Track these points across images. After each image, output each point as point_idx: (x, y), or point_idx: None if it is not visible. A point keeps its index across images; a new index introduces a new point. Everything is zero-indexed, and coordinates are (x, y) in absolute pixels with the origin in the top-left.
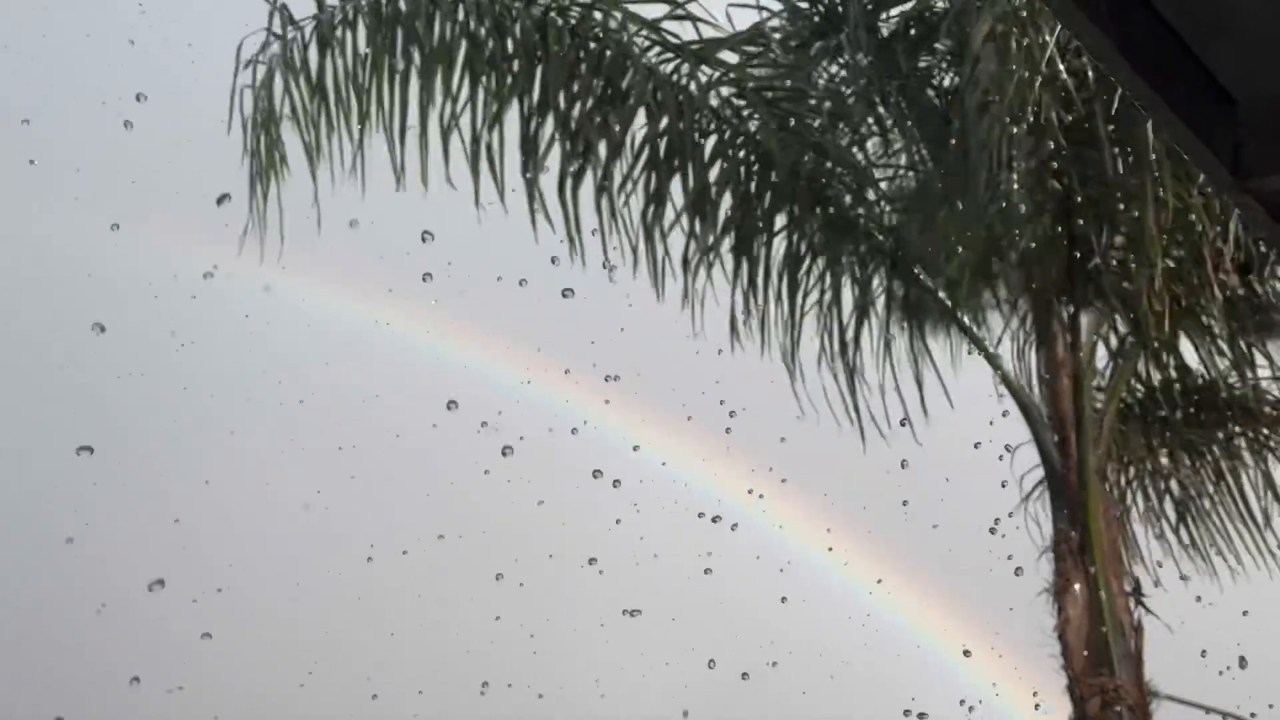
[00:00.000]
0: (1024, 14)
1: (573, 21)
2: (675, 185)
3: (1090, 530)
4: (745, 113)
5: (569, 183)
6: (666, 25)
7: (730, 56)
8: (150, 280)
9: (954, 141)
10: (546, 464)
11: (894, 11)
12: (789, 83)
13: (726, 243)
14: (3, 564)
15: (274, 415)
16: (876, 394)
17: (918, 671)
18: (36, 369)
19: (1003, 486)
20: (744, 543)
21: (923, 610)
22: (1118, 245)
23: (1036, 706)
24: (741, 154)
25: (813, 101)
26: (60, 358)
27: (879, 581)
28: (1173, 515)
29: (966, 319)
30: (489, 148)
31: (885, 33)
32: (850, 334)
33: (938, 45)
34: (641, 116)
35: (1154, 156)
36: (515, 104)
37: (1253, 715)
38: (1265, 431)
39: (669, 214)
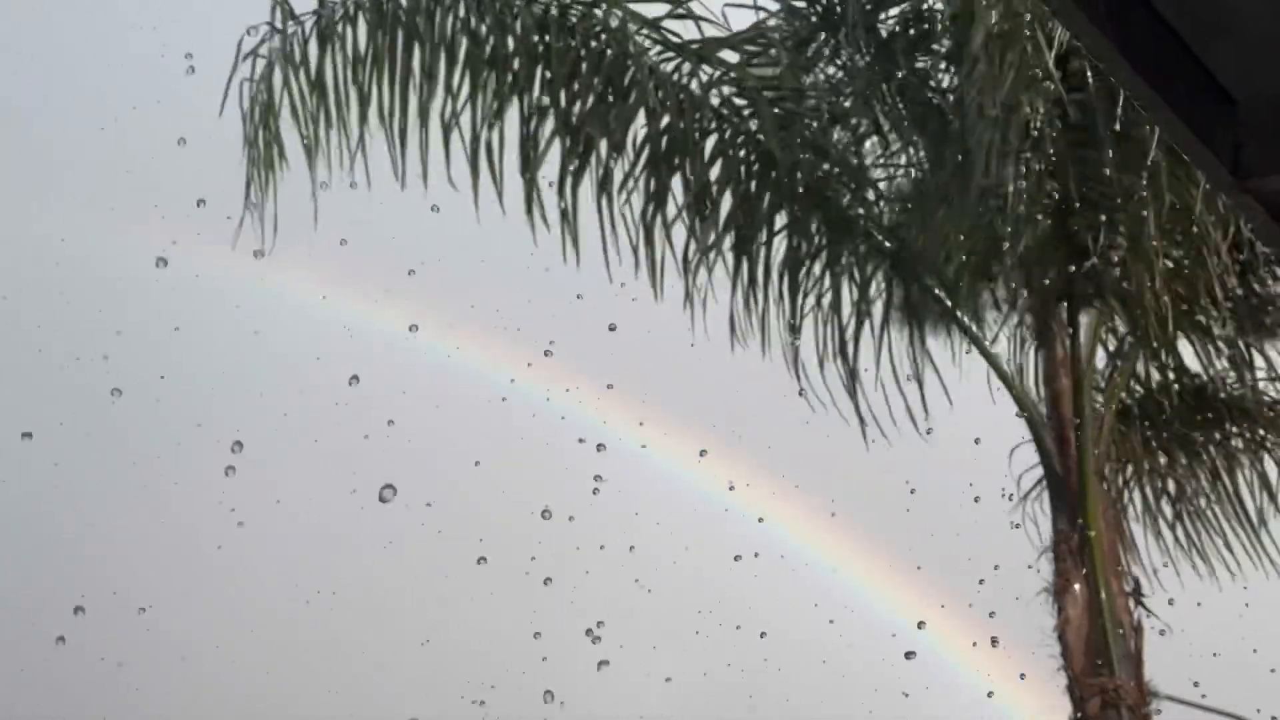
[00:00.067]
0: (1024, 14)
1: (573, 20)
2: (675, 186)
3: (1090, 530)
4: (746, 112)
5: (569, 181)
6: (667, 24)
7: (730, 56)
8: (150, 279)
9: (954, 142)
10: (547, 464)
11: (893, 11)
12: (789, 82)
13: (726, 241)
14: (2, 563)
15: (274, 414)
16: (875, 395)
17: (917, 671)
18: (36, 368)
19: (1003, 491)
20: (744, 542)
21: (923, 610)
22: (1117, 245)
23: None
24: (742, 153)
25: (811, 102)
26: (60, 357)
27: (879, 582)
28: (1171, 516)
29: (966, 319)
30: (489, 146)
31: (884, 33)
32: (850, 333)
33: (935, 46)
34: (641, 116)
35: (1154, 156)
36: (514, 103)
37: (1259, 710)
38: (1262, 432)
39: (669, 215)
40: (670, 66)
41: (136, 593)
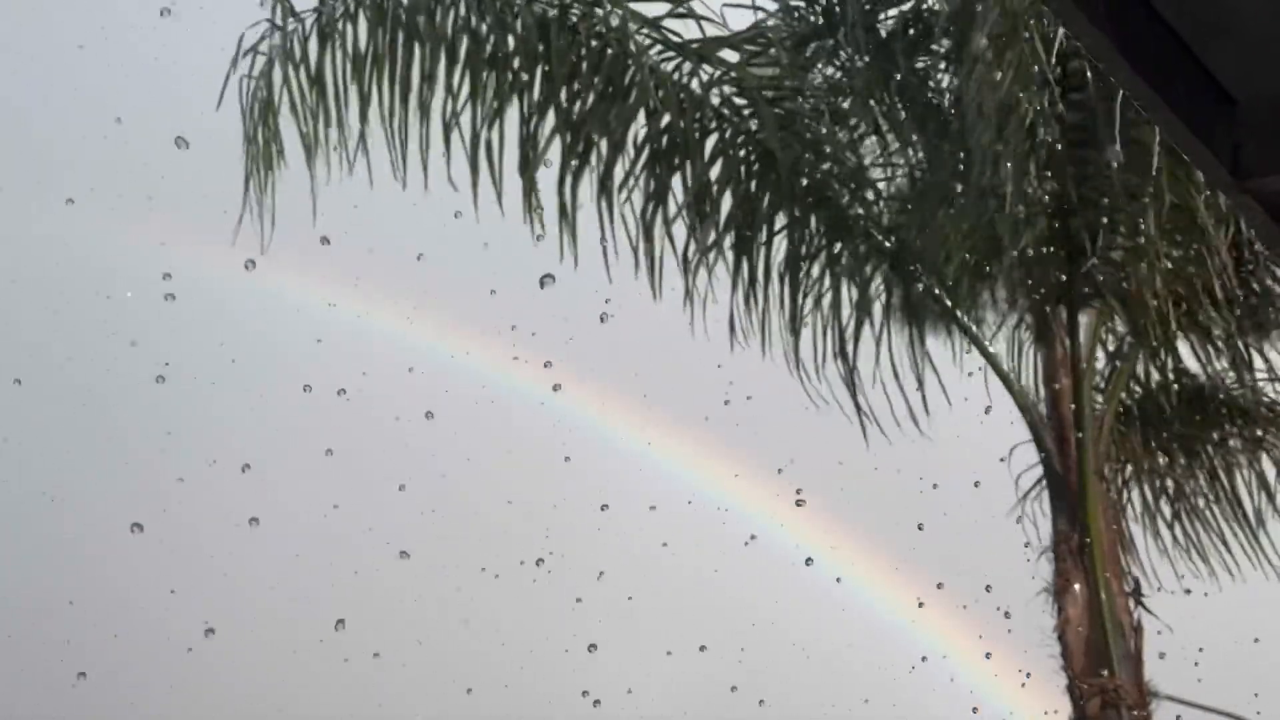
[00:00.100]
0: (1023, 14)
1: (574, 19)
2: (675, 186)
3: (1090, 530)
4: (746, 111)
5: (569, 180)
6: (667, 24)
7: (730, 56)
8: (150, 279)
9: (952, 141)
10: (547, 464)
11: (892, 11)
12: (790, 81)
13: (726, 241)
14: (2, 563)
15: (274, 413)
16: (874, 395)
17: (916, 671)
18: (36, 368)
19: (1003, 491)
20: (742, 542)
21: (923, 610)
22: (1117, 245)
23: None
24: (742, 153)
25: (812, 102)
26: (60, 357)
27: (879, 581)
28: (1176, 519)
29: (966, 319)
30: (489, 145)
31: (883, 33)
32: (850, 333)
33: (934, 46)
34: (641, 115)
35: (1154, 156)
36: (513, 103)
37: (1259, 714)
38: (1260, 432)
39: (668, 215)
40: (671, 66)
41: (136, 593)
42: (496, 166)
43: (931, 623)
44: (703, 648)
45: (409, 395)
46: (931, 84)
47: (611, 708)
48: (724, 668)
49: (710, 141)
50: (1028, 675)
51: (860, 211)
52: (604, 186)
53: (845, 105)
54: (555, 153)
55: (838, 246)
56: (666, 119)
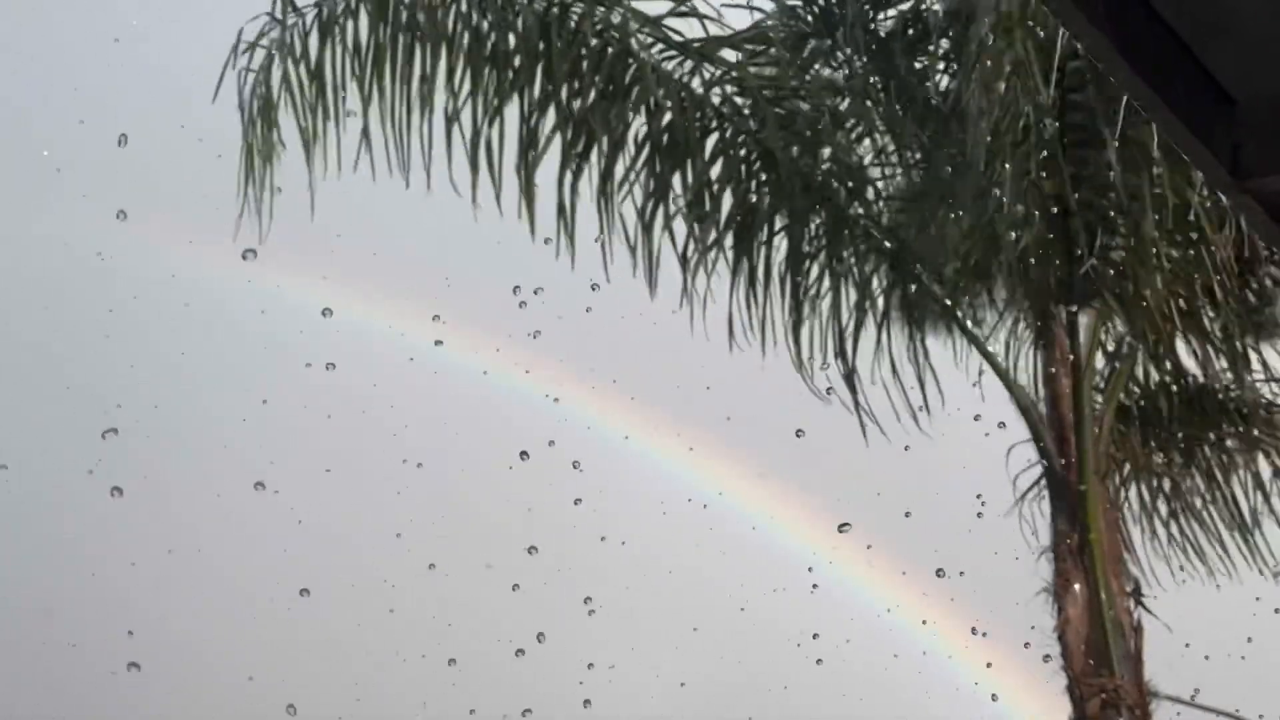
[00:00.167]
0: (1022, 15)
1: (575, 17)
2: (675, 186)
3: (1090, 530)
4: (746, 111)
5: (568, 179)
6: (669, 23)
7: (730, 54)
8: (150, 278)
9: (951, 141)
10: (548, 464)
11: (891, 11)
12: (789, 81)
13: (726, 240)
14: (4, 563)
15: (274, 414)
16: (873, 395)
17: (916, 671)
18: (37, 368)
19: (1002, 491)
20: (741, 541)
21: (922, 610)
22: (1117, 246)
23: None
24: (743, 152)
25: (812, 101)
26: (60, 357)
27: (878, 581)
28: (1172, 518)
29: (966, 319)
30: (489, 143)
31: (882, 33)
32: (850, 332)
33: (931, 47)
34: (642, 114)
35: (1154, 156)
36: (512, 102)
37: (1261, 717)
38: (1256, 432)
39: (667, 215)
40: (672, 65)
41: (136, 593)
42: (496, 165)
43: (931, 622)
44: (703, 651)
45: (409, 395)
46: (930, 84)
47: (611, 708)
48: (724, 668)
49: (710, 141)
50: (1027, 675)
51: (860, 211)
52: (604, 185)
53: (844, 106)
54: (555, 151)
55: (838, 246)
56: (667, 118)
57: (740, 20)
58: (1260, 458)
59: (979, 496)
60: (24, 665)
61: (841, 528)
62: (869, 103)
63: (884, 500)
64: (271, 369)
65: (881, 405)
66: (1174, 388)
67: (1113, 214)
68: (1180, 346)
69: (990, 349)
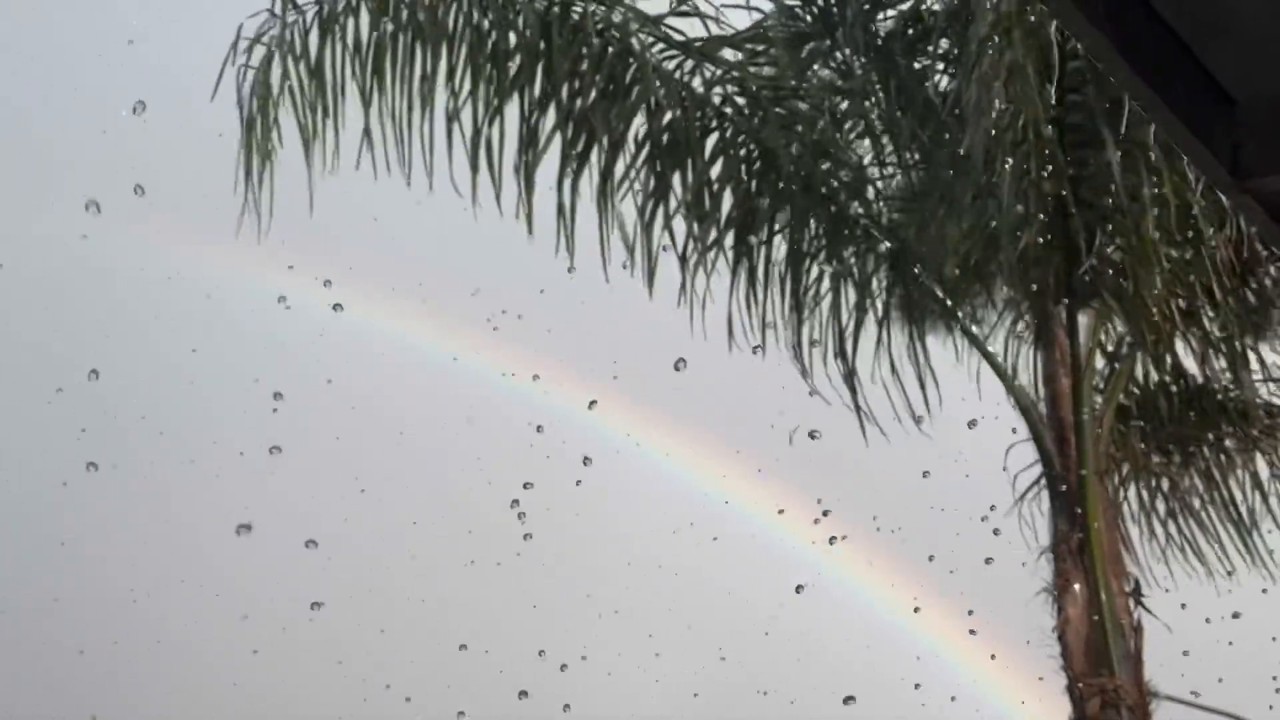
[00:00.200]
0: (1022, 15)
1: (576, 16)
2: (675, 186)
3: (1090, 530)
4: (747, 110)
5: (568, 178)
6: (670, 23)
7: (731, 54)
8: (150, 279)
9: (951, 141)
10: (547, 464)
11: (890, 11)
12: (789, 81)
13: (726, 240)
14: (4, 563)
15: (274, 413)
16: (872, 395)
17: (916, 671)
18: (37, 368)
19: (1002, 491)
20: (741, 541)
21: (922, 610)
22: (1116, 246)
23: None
24: (743, 152)
25: (812, 101)
26: (60, 357)
27: (878, 581)
28: (1170, 518)
29: (966, 319)
30: (489, 142)
31: (882, 33)
32: (850, 332)
33: (930, 47)
34: (642, 113)
35: (1154, 157)
36: (512, 101)
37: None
38: (1255, 432)
39: (666, 215)
40: (672, 64)
41: (136, 593)
42: (496, 164)
43: (931, 622)
44: (703, 651)
45: (409, 396)
46: (930, 84)
47: (613, 706)
48: (725, 668)
49: (711, 140)
50: (1027, 675)
51: (860, 211)
52: (604, 184)
53: (844, 106)
54: (555, 151)
55: (838, 246)
56: (668, 117)
57: (741, 20)
58: (1258, 458)
59: (978, 496)
60: (24, 665)
61: (839, 538)
62: (867, 102)
63: (884, 500)
64: (272, 369)
65: (881, 405)
66: (1173, 388)
67: (1113, 214)
68: (1180, 346)
69: (990, 349)
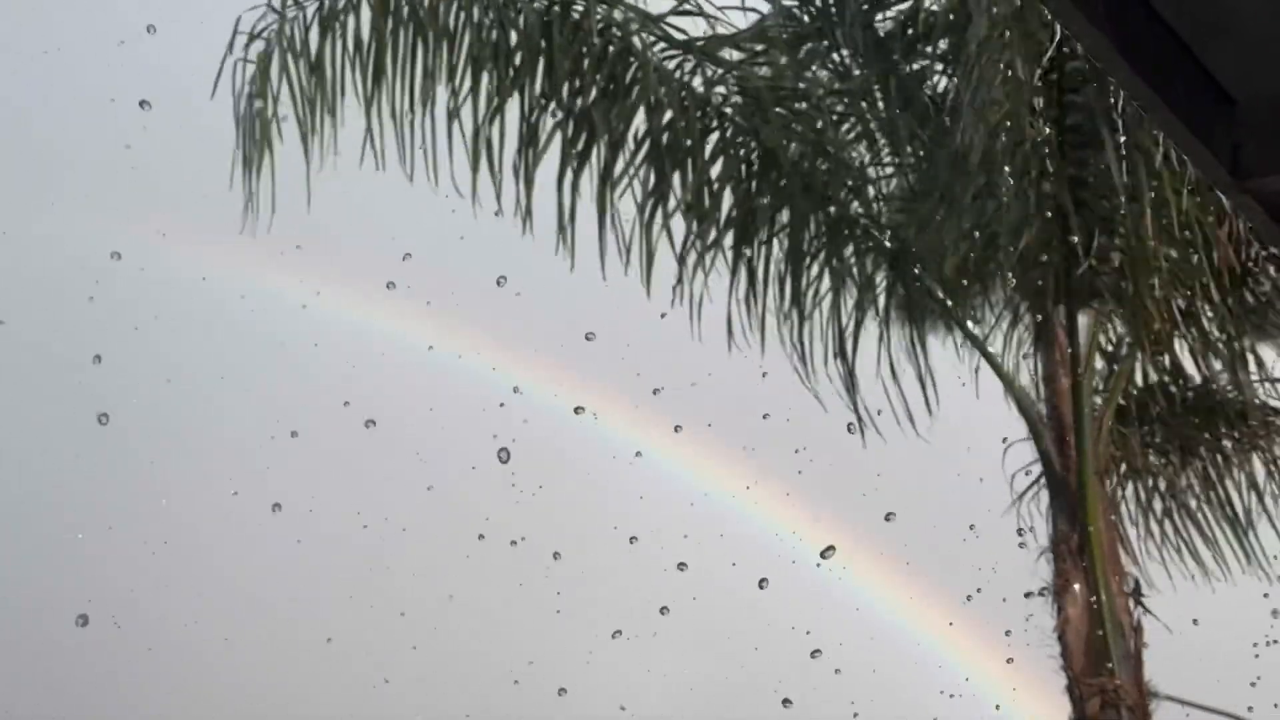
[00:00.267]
0: (1021, 15)
1: (576, 15)
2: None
3: (1090, 531)
4: (747, 110)
5: (568, 177)
6: (669, 21)
7: (731, 54)
8: (150, 279)
9: (951, 142)
10: (547, 465)
11: (890, 12)
12: (789, 81)
13: (726, 240)
14: (4, 562)
15: (274, 412)
16: (872, 396)
17: (916, 672)
18: (37, 368)
19: (1001, 491)
20: (742, 541)
21: (922, 610)
22: (1116, 246)
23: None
24: (743, 151)
25: (813, 100)
26: (60, 357)
27: (878, 581)
28: (1166, 517)
29: (966, 320)
30: (489, 141)
31: (881, 33)
32: (850, 332)
33: (929, 47)
34: (642, 113)
35: (1154, 157)
36: (512, 100)
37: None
38: (1253, 430)
39: (666, 214)
40: (673, 63)
41: (137, 593)
42: (497, 163)
43: (931, 622)
44: (703, 651)
45: (409, 395)
46: (929, 84)
47: (611, 708)
48: (722, 667)
49: (711, 140)
50: (1027, 675)
51: (860, 211)
52: (604, 183)
53: (843, 106)
54: (555, 150)
55: (838, 246)
56: (668, 116)
57: (742, 19)
58: (1255, 458)
59: (978, 497)
60: (24, 665)
61: (833, 547)
62: (865, 103)
63: (883, 500)
64: (272, 368)
65: (881, 405)
66: (1172, 388)
67: (1112, 214)
68: (1178, 346)
69: (990, 349)
